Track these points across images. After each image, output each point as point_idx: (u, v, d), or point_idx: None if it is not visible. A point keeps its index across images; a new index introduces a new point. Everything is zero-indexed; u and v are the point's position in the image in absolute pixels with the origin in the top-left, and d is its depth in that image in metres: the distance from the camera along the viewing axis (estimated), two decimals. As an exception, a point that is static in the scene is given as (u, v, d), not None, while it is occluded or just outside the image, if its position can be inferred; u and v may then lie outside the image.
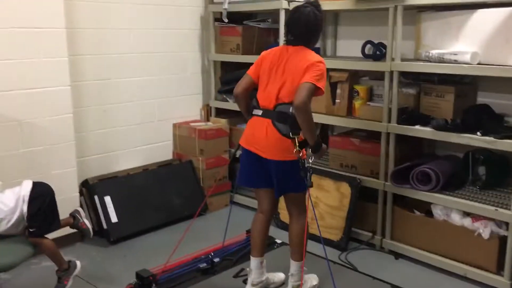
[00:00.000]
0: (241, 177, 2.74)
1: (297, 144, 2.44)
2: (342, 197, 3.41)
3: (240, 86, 2.66)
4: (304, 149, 2.49)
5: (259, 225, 2.73)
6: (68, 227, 2.98)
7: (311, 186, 2.48)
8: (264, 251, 2.76)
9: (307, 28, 2.52)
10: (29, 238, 2.62)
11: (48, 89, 3.23)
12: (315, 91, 2.42)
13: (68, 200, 3.36)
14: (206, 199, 3.67)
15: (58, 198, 2.80)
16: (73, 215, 3.00)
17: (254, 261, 2.72)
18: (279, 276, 2.90)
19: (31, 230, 2.61)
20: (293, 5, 3.50)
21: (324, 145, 2.56)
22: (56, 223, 2.76)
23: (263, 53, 2.67)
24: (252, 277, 2.73)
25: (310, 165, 2.47)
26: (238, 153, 2.85)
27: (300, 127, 2.44)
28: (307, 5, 2.53)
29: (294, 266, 2.70)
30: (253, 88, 2.68)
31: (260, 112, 2.56)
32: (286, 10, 3.60)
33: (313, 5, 2.53)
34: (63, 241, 3.17)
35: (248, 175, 2.69)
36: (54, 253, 2.75)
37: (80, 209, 3.06)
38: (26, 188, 2.61)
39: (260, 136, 2.53)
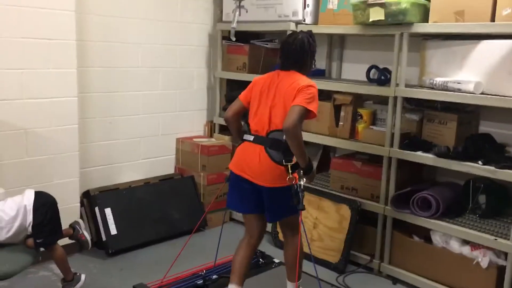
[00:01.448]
0: (230, 201, 2.70)
1: (289, 170, 2.42)
2: (341, 219, 3.42)
3: (230, 110, 2.67)
4: (296, 173, 2.46)
5: (245, 250, 2.67)
6: (67, 238, 3.00)
7: (303, 209, 2.45)
8: (244, 280, 2.68)
9: (300, 54, 2.54)
10: (36, 247, 2.64)
11: (55, 99, 3.27)
12: (306, 114, 2.41)
13: (69, 210, 3.37)
14: (205, 214, 3.66)
15: (59, 207, 2.82)
16: (73, 226, 3.01)
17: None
18: None
19: (38, 241, 2.62)
20: (300, 27, 3.57)
21: (314, 169, 2.53)
22: (60, 233, 2.79)
23: (255, 78, 2.68)
24: None
25: (302, 187, 2.45)
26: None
27: (293, 153, 2.44)
28: (301, 32, 2.60)
29: (290, 286, 2.69)
30: (243, 113, 2.69)
31: (251, 138, 2.54)
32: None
33: (306, 33, 2.60)
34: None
35: (238, 200, 2.65)
36: (63, 261, 2.78)
37: (80, 221, 3.08)
38: (29, 197, 2.63)
39: (252, 163, 2.49)
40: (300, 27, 3.58)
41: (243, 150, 2.57)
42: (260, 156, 2.48)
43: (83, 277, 2.85)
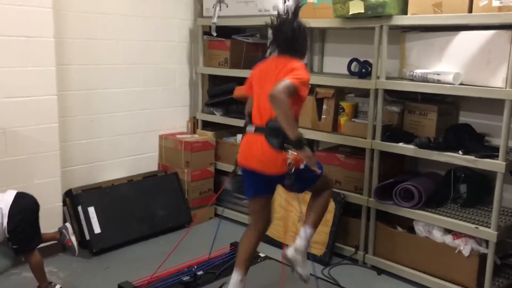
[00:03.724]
0: (247, 191, 2.76)
1: (290, 157, 2.44)
2: (326, 212, 3.43)
3: (248, 109, 2.74)
4: (296, 158, 2.48)
5: (250, 236, 2.72)
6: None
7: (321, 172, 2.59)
8: (248, 269, 2.72)
9: (292, 40, 2.58)
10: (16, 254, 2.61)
11: (34, 98, 3.22)
12: (295, 90, 2.38)
13: (51, 210, 3.34)
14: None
15: (41, 207, 2.78)
16: (61, 230, 2.98)
17: (235, 275, 2.67)
18: None
19: (13, 247, 2.59)
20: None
21: (308, 150, 2.47)
22: (37, 240, 2.71)
23: (253, 70, 2.73)
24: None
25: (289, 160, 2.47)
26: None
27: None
28: (289, 17, 2.62)
29: (302, 230, 2.70)
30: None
31: (253, 129, 2.60)
32: (275, 26, 3.65)
33: (294, 14, 2.62)
34: (44, 251, 3.12)
35: (252, 187, 2.70)
36: (39, 269, 2.73)
37: (68, 226, 3.04)
38: (7, 200, 2.58)
39: (256, 153, 2.55)
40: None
41: (246, 141, 2.63)
42: (261, 146, 2.52)
43: (57, 287, 2.82)
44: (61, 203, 3.48)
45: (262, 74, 2.63)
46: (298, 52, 2.62)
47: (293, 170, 2.47)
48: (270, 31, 2.70)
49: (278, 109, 2.35)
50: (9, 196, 2.61)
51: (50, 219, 3.25)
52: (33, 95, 3.21)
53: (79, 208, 3.51)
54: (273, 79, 2.49)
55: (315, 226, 2.74)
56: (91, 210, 3.54)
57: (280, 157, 2.48)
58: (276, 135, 2.47)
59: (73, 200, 3.54)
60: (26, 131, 3.20)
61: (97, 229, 3.51)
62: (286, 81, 2.37)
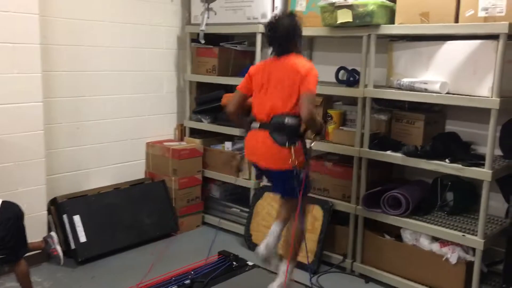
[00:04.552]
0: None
1: (293, 154, 2.54)
2: (314, 220, 3.43)
3: (231, 104, 2.80)
4: (300, 159, 2.60)
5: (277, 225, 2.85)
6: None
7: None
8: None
9: (288, 38, 2.65)
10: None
11: (20, 104, 3.17)
12: (315, 97, 2.61)
13: (35, 219, 3.28)
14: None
15: (25, 216, 2.73)
16: (46, 239, 2.93)
17: (276, 225, 2.81)
18: None
19: (1, 256, 2.54)
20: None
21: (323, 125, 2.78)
22: (24, 248, 2.68)
23: (251, 68, 2.79)
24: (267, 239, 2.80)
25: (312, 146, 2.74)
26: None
27: (296, 135, 2.60)
28: (283, 16, 2.69)
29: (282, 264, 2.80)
30: (247, 108, 2.80)
31: (257, 125, 2.69)
32: (263, 34, 3.66)
33: (288, 16, 2.70)
34: (29, 261, 3.05)
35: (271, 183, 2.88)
36: (25, 278, 2.68)
37: (53, 235, 3.00)
38: None
39: (260, 148, 2.66)
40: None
41: (251, 138, 2.73)
42: (265, 141, 2.62)
43: None
44: (46, 212, 3.42)
45: (264, 75, 2.67)
46: (294, 49, 2.68)
47: (296, 165, 2.55)
48: (265, 30, 2.73)
49: (311, 126, 2.62)
50: None
51: (35, 228, 3.19)
52: (18, 101, 3.16)
53: (64, 216, 3.46)
54: (279, 78, 2.61)
55: (291, 258, 2.80)
56: (77, 218, 3.49)
57: (281, 154, 2.57)
58: (280, 131, 2.58)
59: (58, 208, 3.49)
60: (10, 138, 3.15)
61: (82, 238, 3.45)
62: (308, 97, 2.54)
